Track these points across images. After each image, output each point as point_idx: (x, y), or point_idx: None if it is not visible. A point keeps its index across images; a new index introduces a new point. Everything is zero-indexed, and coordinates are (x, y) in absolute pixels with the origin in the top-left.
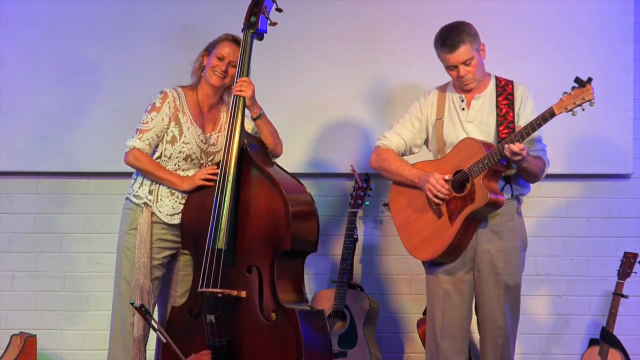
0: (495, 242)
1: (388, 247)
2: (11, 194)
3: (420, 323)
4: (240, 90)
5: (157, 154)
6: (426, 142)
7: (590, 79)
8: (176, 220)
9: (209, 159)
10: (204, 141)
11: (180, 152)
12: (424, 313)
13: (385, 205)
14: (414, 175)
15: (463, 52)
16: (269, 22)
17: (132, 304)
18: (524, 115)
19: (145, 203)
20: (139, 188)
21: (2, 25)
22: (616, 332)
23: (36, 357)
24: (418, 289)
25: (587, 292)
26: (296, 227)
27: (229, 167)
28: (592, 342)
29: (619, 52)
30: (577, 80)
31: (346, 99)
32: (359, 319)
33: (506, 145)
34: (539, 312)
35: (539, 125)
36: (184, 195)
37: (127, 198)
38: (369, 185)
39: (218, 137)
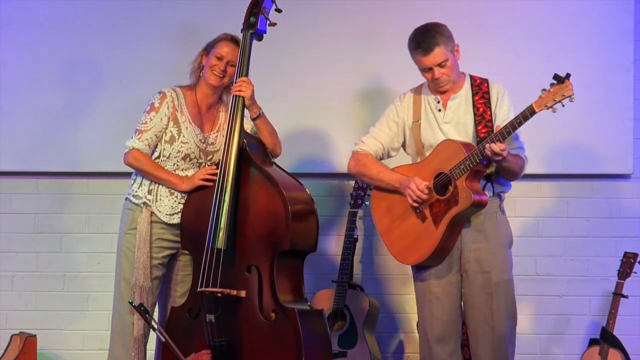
0: (480, 241)
1: None
2: (11, 194)
3: None
4: (239, 90)
5: (155, 154)
6: (403, 145)
7: (568, 75)
8: (175, 220)
9: (208, 159)
10: (203, 141)
11: (178, 151)
12: None
13: None
14: (395, 180)
15: (438, 54)
16: (268, 22)
17: (131, 303)
18: (501, 113)
19: (144, 203)
20: (138, 188)
21: (2, 25)
22: (616, 332)
23: (36, 357)
24: None
25: (587, 292)
26: (295, 227)
27: (229, 167)
28: (592, 342)
29: (619, 52)
30: (556, 76)
31: (345, 99)
32: (359, 319)
33: (487, 145)
34: (539, 312)
35: (520, 124)
36: (183, 195)
37: (126, 198)
38: (368, 185)
39: (217, 136)
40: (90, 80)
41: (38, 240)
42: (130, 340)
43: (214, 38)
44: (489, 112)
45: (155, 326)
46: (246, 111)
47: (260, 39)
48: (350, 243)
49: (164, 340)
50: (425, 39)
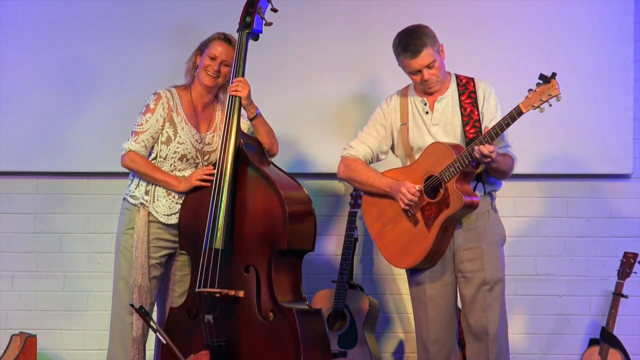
0: (472, 240)
1: None
2: (11, 194)
3: None
4: (236, 91)
5: (152, 155)
6: (392, 148)
7: (554, 74)
8: (173, 220)
9: (205, 159)
10: (199, 141)
11: (175, 152)
12: None
13: None
14: (385, 185)
15: (426, 55)
16: (264, 22)
17: (132, 305)
18: (489, 112)
19: (141, 203)
20: (135, 188)
21: (2, 25)
22: (616, 332)
23: (36, 357)
24: None
25: (587, 292)
26: (293, 227)
27: (226, 167)
28: (592, 342)
29: (619, 52)
30: (542, 76)
31: (344, 99)
32: (359, 319)
33: (476, 147)
34: (539, 312)
35: (508, 125)
36: (180, 195)
37: (124, 198)
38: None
39: (213, 136)
40: (90, 80)
41: (38, 240)
42: (129, 340)
43: (207, 37)
44: (476, 112)
45: (156, 328)
46: (243, 111)
47: (256, 38)
48: (350, 243)
49: (164, 341)
50: (412, 41)
